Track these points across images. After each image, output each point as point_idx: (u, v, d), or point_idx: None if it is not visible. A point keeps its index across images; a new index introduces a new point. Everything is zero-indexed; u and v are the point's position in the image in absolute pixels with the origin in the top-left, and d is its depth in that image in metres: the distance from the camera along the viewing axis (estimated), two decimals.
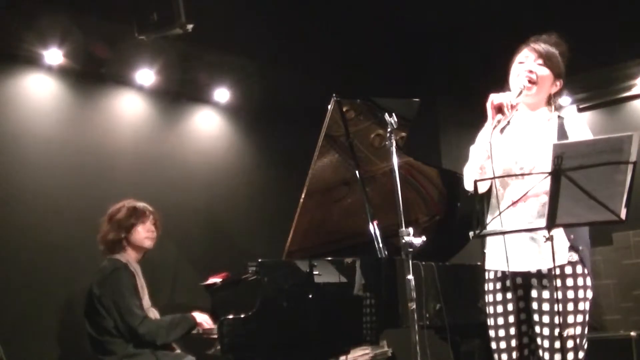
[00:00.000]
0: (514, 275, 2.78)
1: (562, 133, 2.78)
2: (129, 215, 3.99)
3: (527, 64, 2.81)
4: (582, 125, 2.82)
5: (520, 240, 2.73)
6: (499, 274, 2.83)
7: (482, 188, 2.81)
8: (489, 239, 2.87)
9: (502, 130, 2.89)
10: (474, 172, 2.79)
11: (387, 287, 3.60)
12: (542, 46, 2.82)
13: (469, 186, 2.76)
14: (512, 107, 2.70)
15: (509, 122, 2.89)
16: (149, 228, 4.05)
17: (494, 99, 2.70)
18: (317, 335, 3.48)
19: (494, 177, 2.70)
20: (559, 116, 2.86)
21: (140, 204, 4.09)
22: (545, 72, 2.81)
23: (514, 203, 2.69)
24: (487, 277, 2.89)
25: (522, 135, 2.84)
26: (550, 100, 2.88)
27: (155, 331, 3.77)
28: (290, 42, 5.43)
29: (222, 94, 5.81)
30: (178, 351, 3.96)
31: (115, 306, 3.75)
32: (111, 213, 4.03)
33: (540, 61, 2.80)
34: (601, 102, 6.37)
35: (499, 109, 2.68)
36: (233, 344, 3.47)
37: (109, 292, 3.77)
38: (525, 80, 2.78)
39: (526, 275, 2.76)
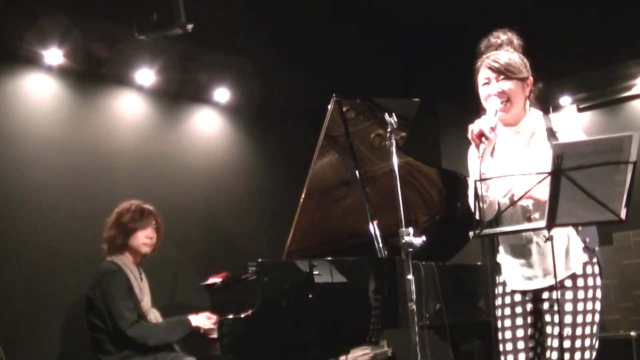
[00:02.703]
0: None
1: (552, 137, 2.74)
2: (134, 219, 3.97)
3: (492, 85, 2.73)
4: (570, 126, 2.77)
5: (532, 257, 2.71)
6: (512, 289, 2.82)
7: (490, 215, 2.75)
8: (501, 249, 2.84)
9: (491, 154, 2.79)
10: (479, 207, 2.73)
11: (387, 287, 3.60)
12: (497, 60, 2.73)
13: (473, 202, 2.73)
14: (493, 129, 2.63)
15: (494, 146, 2.78)
16: (148, 234, 4.01)
17: (473, 128, 2.63)
18: (317, 335, 3.48)
19: (496, 177, 2.69)
20: (544, 117, 2.79)
21: (147, 207, 4.05)
22: (511, 85, 2.72)
23: (514, 203, 2.68)
24: (497, 281, 2.88)
25: (514, 152, 2.77)
26: (526, 105, 2.79)
27: (145, 334, 3.75)
28: (290, 42, 5.43)
29: (222, 94, 5.81)
30: (178, 352, 3.95)
31: (106, 309, 3.76)
32: (119, 213, 4.00)
33: (502, 77, 2.72)
34: (601, 102, 6.37)
35: (481, 135, 2.61)
36: (233, 344, 3.47)
37: (101, 295, 3.78)
38: (497, 102, 2.71)
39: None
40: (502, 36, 2.82)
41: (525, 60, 2.80)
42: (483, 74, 2.77)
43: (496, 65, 2.72)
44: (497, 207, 2.72)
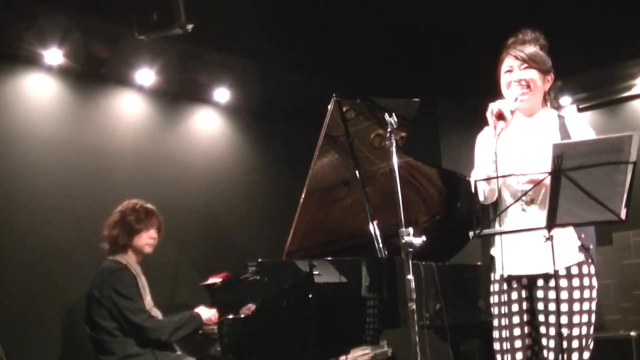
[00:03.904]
0: (520, 276, 2.79)
1: (564, 134, 2.79)
2: (139, 219, 3.97)
3: (515, 72, 2.84)
4: (584, 125, 2.83)
5: (527, 243, 2.74)
6: (505, 275, 2.83)
7: (491, 198, 2.82)
8: (496, 241, 2.87)
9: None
10: (484, 184, 2.79)
11: (387, 287, 3.60)
12: (522, 50, 2.84)
13: (474, 189, 2.78)
14: (512, 112, 2.73)
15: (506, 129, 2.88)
16: (151, 235, 4.03)
17: (493, 107, 2.72)
18: (317, 335, 3.48)
19: (496, 177, 2.71)
20: (559, 115, 2.86)
21: (150, 207, 4.07)
22: (533, 74, 2.82)
23: (516, 200, 2.70)
24: (492, 278, 2.89)
25: (525, 140, 2.84)
26: (546, 98, 2.89)
27: (161, 328, 3.78)
28: (290, 42, 5.42)
29: (222, 94, 5.81)
30: (178, 352, 3.95)
31: (116, 308, 3.74)
32: (123, 212, 3.98)
33: (525, 65, 2.82)
34: (601, 102, 6.38)
35: (500, 116, 2.70)
36: (233, 344, 3.47)
37: (109, 294, 3.76)
38: (518, 89, 2.80)
39: (532, 276, 2.77)
40: (530, 33, 2.92)
41: (549, 59, 2.89)
42: (507, 63, 2.87)
43: (521, 54, 2.83)
44: (498, 192, 2.81)
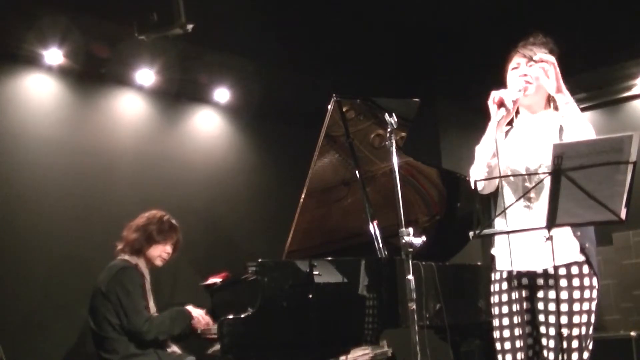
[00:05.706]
0: (520, 275, 2.79)
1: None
2: (161, 230, 4.01)
3: (520, 69, 2.87)
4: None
5: (527, 240, 2.74)
6: (505, 275, 2.83)
7: (489, 189, 2.82)
8: (496, 241, 2.87)
9: (506, 134, 2.92)
10: (481, 172, 2.80)
11: (387, 287, 3.60)
12: (530, 49, 2.88)
13: (473, 185, 2.79)
14: (514, 102, 2.75)
15: (512, 125, 2.91)
16: (166, 249, 4.07)
17: (495, 95, 2.75)
18: (317, 335, 3.48)
19: (499, 177, 2.72)
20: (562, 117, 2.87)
21: (175, 224, 4.11)
22: (540, 72, 2.83)
23: (517, 200, 2.71)
24: (493, 278, 2.89)
25: (527, 137, 2.86)
26: (550, 99, 2.90)
27: (157, 328, 3.80)
28: (290, 42, 5.43)
29: (222, 94, 5.81)
30: (179, 352, 3.96)
31: (120, 304, 3.76)
32: (149, 219, 4.03)
33: (532, 63, 2.85)
34: (601, 102, 6.37)
35: (501, 105, 2.73)
36: (233, 344, 3.47)
37: (116, 290, 3.78)
38: (522, 83, 2.82)
39: (532, 276, 2.77)
40: (541, 37, 2.95)
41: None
42: (515, 60, 2.91)
43: (530, 53, 2.87)
44: (498, 189, 2.80)
